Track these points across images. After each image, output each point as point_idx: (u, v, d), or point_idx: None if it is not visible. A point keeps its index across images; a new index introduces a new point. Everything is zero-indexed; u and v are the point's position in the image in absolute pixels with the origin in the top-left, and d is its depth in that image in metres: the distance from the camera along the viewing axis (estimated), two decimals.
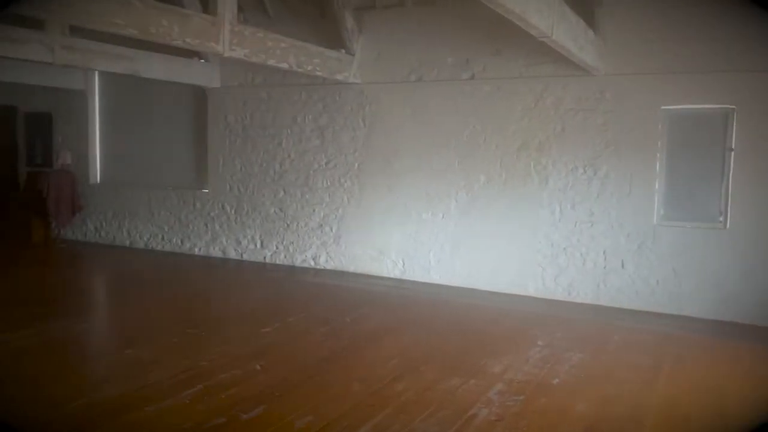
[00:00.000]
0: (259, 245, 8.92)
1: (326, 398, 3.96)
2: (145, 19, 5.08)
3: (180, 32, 5.39)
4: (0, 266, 8.46)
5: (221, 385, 4.10)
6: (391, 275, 7.86)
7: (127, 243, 10.01)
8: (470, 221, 7.39)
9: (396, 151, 7.80)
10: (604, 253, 6.76)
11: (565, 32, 5.16)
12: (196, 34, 5.55)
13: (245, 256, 9.01)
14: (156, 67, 8.02)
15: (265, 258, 8.86)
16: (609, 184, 6.70)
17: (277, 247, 8.78)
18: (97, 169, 10.43)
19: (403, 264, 7.84)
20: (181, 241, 9.56)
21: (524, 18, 4.18)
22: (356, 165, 8.09)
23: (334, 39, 7.82)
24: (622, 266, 6.68)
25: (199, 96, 9.33)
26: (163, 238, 9.72)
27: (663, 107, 6.46)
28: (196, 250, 9.40)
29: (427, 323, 5.88)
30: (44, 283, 7.43)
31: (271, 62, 6.55)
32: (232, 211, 9.11)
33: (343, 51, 7.77)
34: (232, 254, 9.11)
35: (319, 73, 7.35)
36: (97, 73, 10.16)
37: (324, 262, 8.40)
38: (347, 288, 7.34)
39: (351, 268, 8.18)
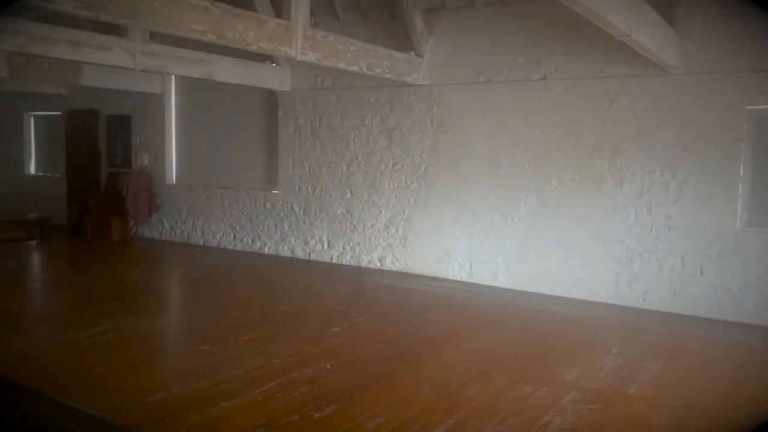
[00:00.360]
0: (326, 245, 9.04)
1: (396, 400, 3.97)
2: (222, 24, 5.24)
3: (255, 37, 5.53)
4: (83, 263, 8.91)
5: (293, 384, 4.18)
6: (458, 278, 7.80)
7: (201, 242, 10.34)
8: (540, 224, 7.25)
9: (464, 153, 7.74)
10: (681, 259, 6.49)
11: (644, 31, 4.99)
12: (270, 39, 5.68)
13: (313, 256, 9.15)
14: (230, 71, 8.24)
15: (331, 258, 8.97)
16: (688, 187, 6.44)
17: (343, 248, 8.88)
18: (173, 170, 10.83)
19: (470, 267, 7.77)
20: (252, 241, 9.80)
21: (604, 17, 4.06)
22: (423, 167, 8.08)
23: (403, 41, 7.84)
24: (701, 273, 6.40)
25: (270, 99, 9.54)
26: (234, 237, 9.99)
27: (748, 107, 6.15)
28: (266, 249, 9.62)
29: (495, 328, 5.80)
30: (123, 280, 7.78)
31: (341, 65, 6.63)
32: (301, 212, 9.27)
33: (412, 53, 7.77)
34: (300, 254, 9.27)
35: (388, 76, 7.39)
36: (173, 77, 10.55)
37: (390, 264, 8.43)
38: (413, 290, 7.33)
39: (417, 270, 8.17)
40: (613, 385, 4.34)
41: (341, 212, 8.86)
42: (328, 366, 4.52)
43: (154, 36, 7.27)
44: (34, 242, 10.29)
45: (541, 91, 7.18)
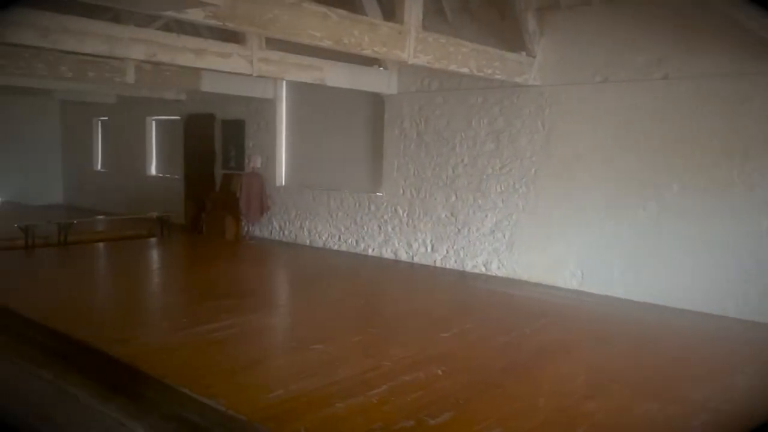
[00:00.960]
0: (429, 249, 9.01)
1: (512, 411, 3.86)
2: (339, 30, 5.33)
3: (369, 41, 5.59)
4: (200, 260, 9.37)
5: (405, 387, 4.16)
6: (569, 286, 7.53)
7: (308, 242, 10.61)
8: (660, 232, 6.86)
9: (577, 156, 7.47)
10: None
11: None
12: (383, 43, 5.72)
13: (416, 259, 9.15)
14: (340, 76, 8.40)
15: (435, 262, 8.93)
16: None
17: (447, 252, 8.81)
18: (282, 172, 11.19)
19: (582, 275, 7.48)
20: (356, 242, 9.94)
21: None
22: (533, 170, 7.87)
23: (514, 41, 7.67)
24: None
25: (377, 102, 9.64)
26: (339, 239, 10.17)
27: None
28: (370, 250, 9.72)
29: (612, 340, 5.53)
30: (238, 277, 8.11)
31: (452, 67, 6.58)
32: (404, 215, 9.30)
33: (524, 53, 7.59)
34: (404, 256, 9.29)
35: (498, 77, 7.26)
36: (284, 82, 10.91)
37: (495, 269, 8.27)
38: (521, 297, 7.15)
39: (524, 277, 7.96)
40: (749, 409, 4.01)
41: (445, 215, 8.80)
42: (440, 372, 4.48)
43: (269, 43, 7.54)
44: (155, 239, 10.94)
45: (662, 91, 6.79)
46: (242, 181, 10.74)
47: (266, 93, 10.88)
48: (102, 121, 15.16)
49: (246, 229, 11.11)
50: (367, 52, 5.67)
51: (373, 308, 6.48)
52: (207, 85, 9.86)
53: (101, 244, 10.08)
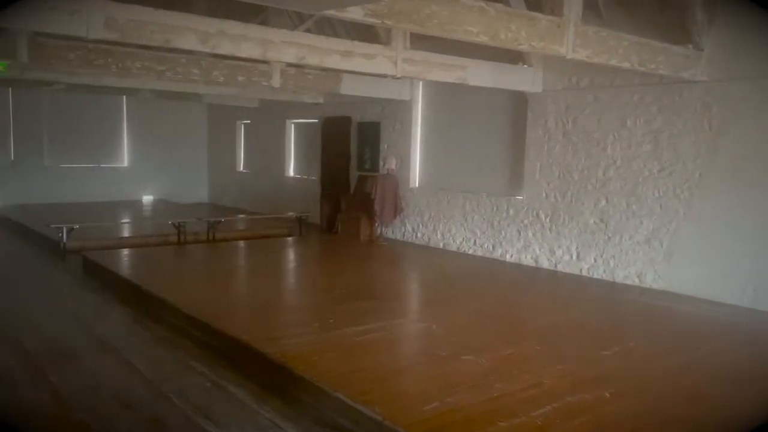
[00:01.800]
0: (574, 257, 8.48)
1: None
2: (496, 24, 5.07)
3: (527, 36, 5.28)
4: (337, 260, 9.44)
5: (571, 410, 3.82)
6: (738, 303, 6.74)
7: (441, 245, 10.42)
8: None
9: (750, 159, 6.67)
10: None
11: None
12: (541, 37, 5.39)
13: (559, 267, 8.65)
14: (482, 75, 8.12)
15: (581, 270, 8.39)
16: None
17: (595, 260, 8.25)
18: (416, 174, 11.08)
19: (754, 291, 6.67)
20: (493, 247, 9.60)
21: None
22: (697, 174, 7.15)
23: (677, 34, 6.99)
24: None
25: (518, 101, 9.25)
26: (474, 243, 9.88)
27: None
28: (507, 256, 9.34)
29: None
30: (376, 279, 8.07)
31: (612, 62, 6.10)
32: (547, 220, 8.83)
33: (690, 46, 6.91)
34: (545, 263, 8.83)
35: (662, 72, 6.65)
36: (421, 83, 10.80)
37: (651, 281, 7.61)
38: (684, 313, 6.49)
39: (684, 290, 7.25)
40: None
41: (594, 221, 8.24)
42: (607, 394, 4.08)
43: (413, 43, 7.43)
44: (294, 238, 11.23)
45: None
46: (377, 182, 10.75)
47: (402, 94, 10.82)
48: (245, 124, 15.89)
49: (380, 230, 11.12)
50: (524, 47, 5.36)
51: (520, 318, 6.14)
52: (346, 88, 9.95)
53: (245, 242, 10.46)
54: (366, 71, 7.33)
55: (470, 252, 9.91)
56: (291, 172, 14.42)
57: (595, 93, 8.17)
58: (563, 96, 8.56)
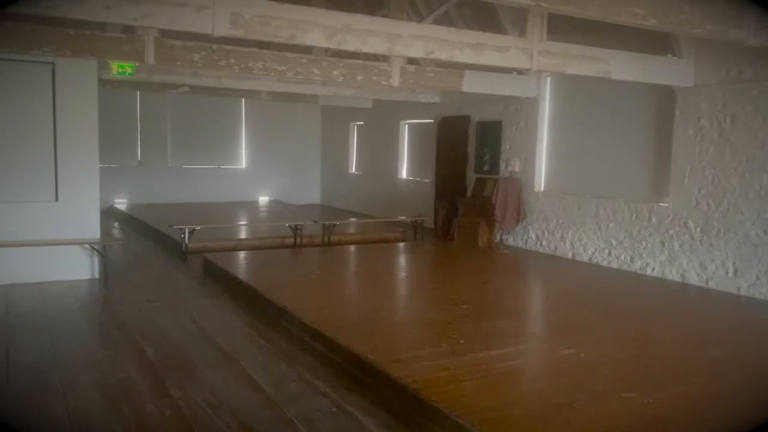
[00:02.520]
0: (731, 273, 7.43)
1: None
2: (666, 7, 4.33)
3: (701, 19, 4.49)
4: (457, 269, 8.89)
5: None
6: None
7: (570, 255, 9.60)
8: None
9: None
10: None
11: None
12: (719, 21, 4.57)
13: (711, 284, 7.63)
14: (625, 68, 7.28)
15: (738, 289, 7.34)
16: None
17: (758, 278, 7.17)
18: (541, 177, 10.32)
19: None
20: (631, 259, 8.67)
21: None
22: None
23: None
24: None
25: (663, 97, 8.29)
26: (609, 254, 8.99)
27: None
28: (648, 269, 8.40)
29: None
30: (504, 292, 7.44)
31: None
32: (697, 230, 7.82)
33: None
34: (694, 279, 7.82)
35: None
36: (548, 79, 10.03)
37: None
38: None
39: None
40: None
41: (756, 233, 7.17)
42: None
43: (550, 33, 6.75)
44: (408, 243, 10.80)
45: None
46: (498, 185, 10.09)
47: (528, 91, 10.09)
48: (358, 125, 15.70)
49: (499, 237, 10.45)
50: (698, 32, 4.58)
51: (681, 347, 5.29)
52: (468, 85, 9.37)
53: (359, 246, 10.16)
54: (498, 65, 6.72)
55: (604, 263, 9.03)
56: (404, 174, 14.04)
57: (760, 86, 7.10)
58: (719, 91, 7.53)
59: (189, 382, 4.55)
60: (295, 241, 9.74)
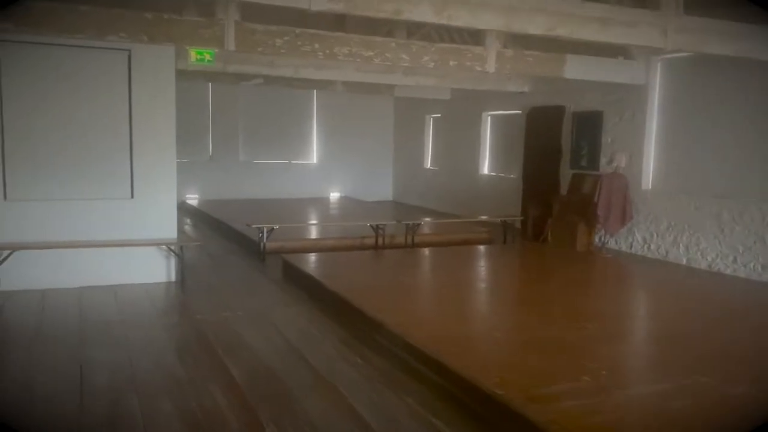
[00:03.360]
0: None
1: None
2: None
3: None
4: (561, 278, 7.97)
5: None
6: None
7: (684, 261, 8.53)
8: None
9: None
10: None
11: None
12: None
13: None
14: None
15: None
16: None
17: None
18: (649, 174, 9.26)
19: None
20: (762, 268, 7.56)
21: None
22: None
23: None
24: None
25: None
26: (735, 260, 7.89)
27: None
28: None
29: None
30: (628, 307, 6.51)
31: None
32: None
33: None
34: None
35: None
36: (659, 63, 8.97)
37: None
38: None
39: None
40: None
41: None
42: None
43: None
44: (497, 246, 9.95)
45: None
46: (602, 182, 9.10)
47: (636, 78, 9.05)
48: (434, 118, 14.89)
49: (600, 239, 9.46)
50: None
51: None
52: (571, 71, 8.45)
53: (444, 248, 9.38)
54: (627, 42, 5.82)
55: (727, 271, 7.94)
56: (485, 170, 13.14)
57: None
58: None
59: (285, 414, 3.89)
60: (376, 241, 9.04)
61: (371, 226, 9.03)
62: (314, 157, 15.92)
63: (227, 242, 10.07)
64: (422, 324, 5.27)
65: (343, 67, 10.29)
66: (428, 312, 5.76)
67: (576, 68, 8.45)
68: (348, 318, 5.78)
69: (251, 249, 8.98)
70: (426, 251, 9.05)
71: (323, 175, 15.84)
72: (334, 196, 15.91)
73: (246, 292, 6.98)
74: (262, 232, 8.29)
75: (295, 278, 7.31)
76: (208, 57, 6.94)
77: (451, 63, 7.72)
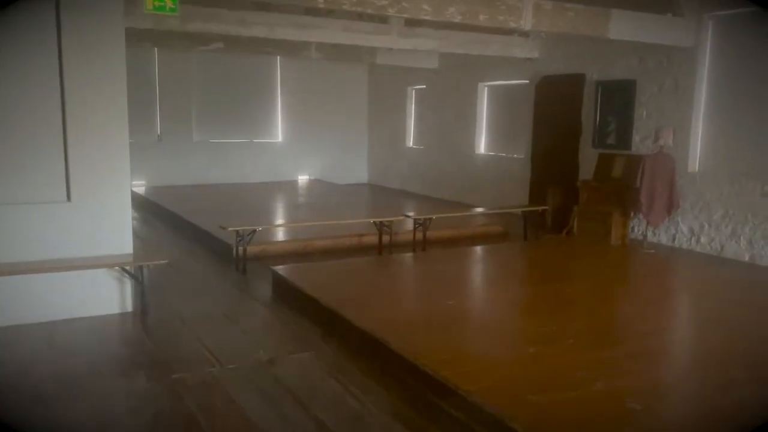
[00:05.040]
0: None
1: None
2: None
3: None
4: (612, 282, 6.51)
5: None
6: None
7: (746, 257, 7.22)
8: None
9: None
10: None
11: None
12: None
13: None
14: None
15: None
16: None
17: None
18: (696, 154, 7.88)
19: None
20: None
21: None
22: None
23: None
24: None
25: None
26: None
27: None
28: None
29: None
30: (695, 319, 5.08)
31: None
32: None
33: None
34: None
35: None
36: (711, 22, 7.54)
37: None
38: None
39: None
40: None
41: None
42: None
43: None
44: (513, 242, 8.45)
45: None
46: (644, 164, 7.67)
47: (682, 38, 7.60)
48: (418, 89, 13.18)
49: (643, 232, 8.07)
50: None
51: None
52: (616, 30, 6.97)
53: (461, 248, 7.79)
54: None
55: None
56: (482, 149, 11.57)
57: None
58: None
59: None
60: (380, 242, 7.38)
61: (375, 224, 7.34)
62: (279, 135, 14.01)
63: (188, 242, 8.19)
64: (503, 384, 3.68)
65: (327, 26, 8.47)
66: (499, 358, 4.17)
67: (622, 26, 7.00)
68: (385, 366, 4.14)
69: (222, 253, 7.17)
70: (443, 254, 7.42)
71: (290, 155, 13.96)
72: (303, 179, 14.10)
73: (231, 327, 5.16)
74: (241, 237, 6.49)
75: (293, 301, 5.57)
76: (170, 4, 5.01)
77: (482, 17, 6.14)
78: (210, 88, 13.08)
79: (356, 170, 14.69)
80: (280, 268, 6.04)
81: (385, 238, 7.33)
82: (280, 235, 7.97)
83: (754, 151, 7.27)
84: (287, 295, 5.68)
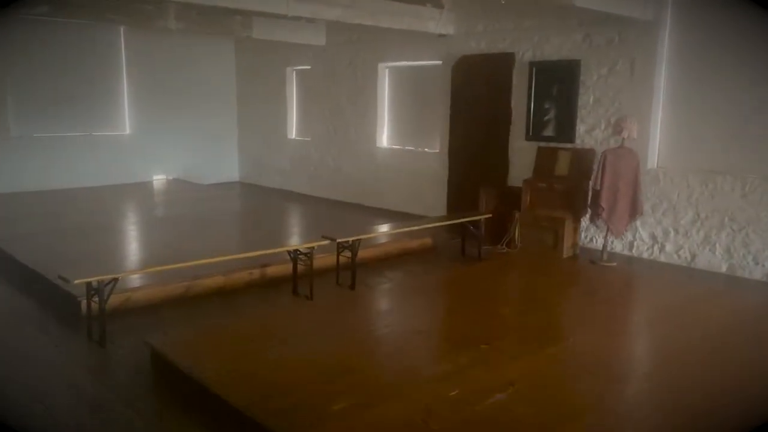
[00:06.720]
0: None
1: None
2: None
3: None
4: (602, 314, 5.13)
5: None
6: None
7: (723, 267, 6.24)
8: None
9: None
10: None
11: None
12: None
13: None
14: None
15: None
16: None
17: None
18: (655, 147, 6.78)
19: None
20: None
21: None
22: None
23: None
24: None
25: None
26: None
27: None
28: None
29: None
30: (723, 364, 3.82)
31: None
32: None
33: None
34: None
35: None
36: None
37: None
38: None
39: None
40: None
41: None
42: None
43: None
44: (451, 263, 6.88)
45: None
46: (605, 161, 6.41)
47: (643, 11, 6.42)
48: (299, 71, 11.15)
49: (601, 241, 6.83)
50: None
51: None
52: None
53: (393, 269, 6.07)
54: None
55: None
56: (385, 142, 9.87)
57: None
58: None
59: None
60: (295, 275, 5.41)
61: (290, 254, 5.34)
62: (126, 126, 11.28)
63: (5, 289, 5.64)
64: None
65: None
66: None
67: None
68: None
69: (63, 312, 4.84)
70: (372, 292, 5.63)
71: (141, 151, 11.30)
72: (160, 179, 11.54)
73: None
74: (99, 289, 4.23)
75: (189, 398, 3.51)
76: None
77: None
78: (33, 68, 10.08)
79: (224, 167, 12.36)
80: (161, 342, 3.91)
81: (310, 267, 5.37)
82: (144, 260, 5.71)
83: (729, 144, 6.27)
84: (177, 389, 3.59)
